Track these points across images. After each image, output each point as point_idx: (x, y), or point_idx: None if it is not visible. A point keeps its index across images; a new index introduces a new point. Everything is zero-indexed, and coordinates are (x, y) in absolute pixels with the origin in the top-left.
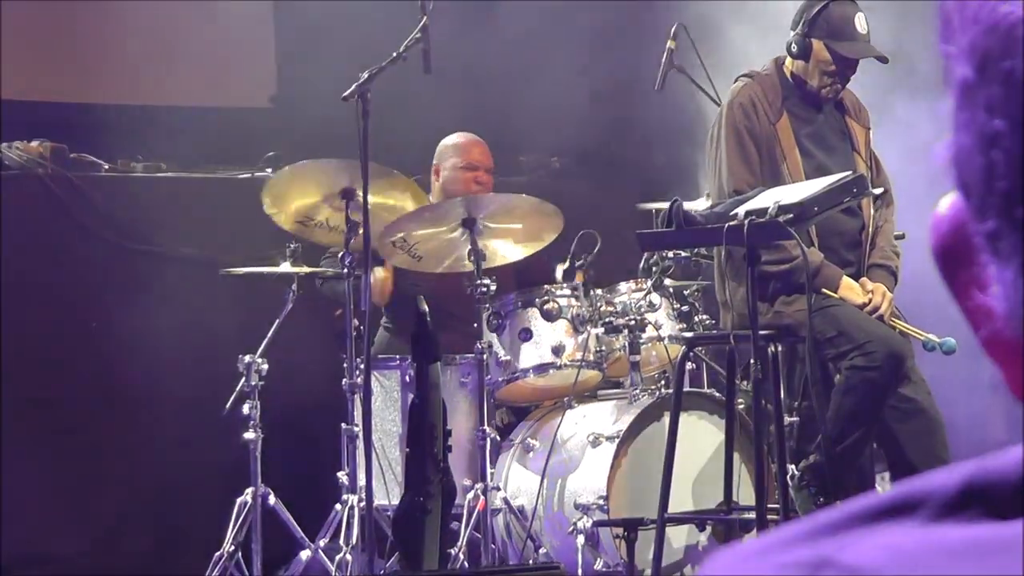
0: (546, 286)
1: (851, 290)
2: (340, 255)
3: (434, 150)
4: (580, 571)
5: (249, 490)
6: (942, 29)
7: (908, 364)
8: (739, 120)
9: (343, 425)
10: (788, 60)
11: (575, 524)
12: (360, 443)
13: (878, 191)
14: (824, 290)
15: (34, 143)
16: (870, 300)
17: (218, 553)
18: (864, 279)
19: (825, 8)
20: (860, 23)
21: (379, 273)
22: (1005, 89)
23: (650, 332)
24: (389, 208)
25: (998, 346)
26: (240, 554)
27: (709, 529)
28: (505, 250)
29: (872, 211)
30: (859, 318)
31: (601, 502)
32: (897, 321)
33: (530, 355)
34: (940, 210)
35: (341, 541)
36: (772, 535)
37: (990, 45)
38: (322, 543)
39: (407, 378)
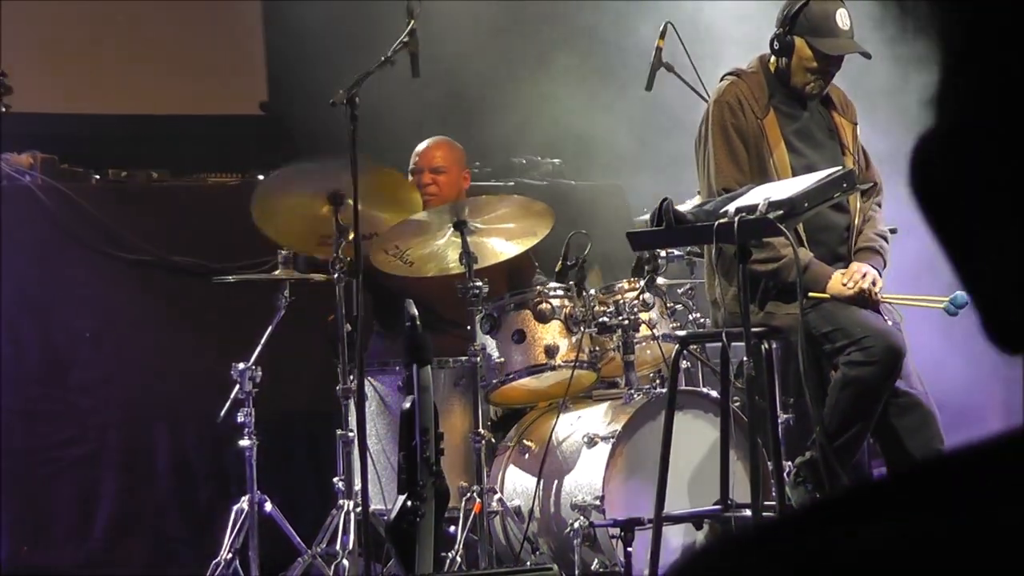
0: (539, 287)
1: (839, 286)
2: (332, 261)
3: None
4: (578, 572)
5: (245, 497)
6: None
7: (904, 358)
8: (726, 118)
9: (338, 431)
10: (772, 58)
11: (572, 525)
12: (355, 448)
13: (866, 187)
14: (812, 293)
15: (24, 154)
16: (856, 285)
17: (215, 560)
18: (843, 269)
19: (805, 5)
20: (842, 19)
21: None
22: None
23: (644, 331)
24: (380, 204)
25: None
26: (237, 561)
27: (706, 528)
28: (498, 248)
29: (859, 204)
30: (855, 313)
31: (597, 502)
32: (907, 297)
33: (524, 356)
34: (919, 146)
35: (338, 546)
36: (752, 529)
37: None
38: (319, 549)
39: (400, 383)
